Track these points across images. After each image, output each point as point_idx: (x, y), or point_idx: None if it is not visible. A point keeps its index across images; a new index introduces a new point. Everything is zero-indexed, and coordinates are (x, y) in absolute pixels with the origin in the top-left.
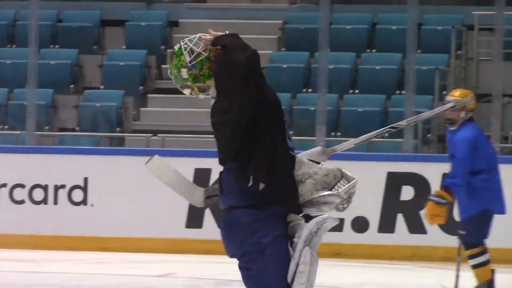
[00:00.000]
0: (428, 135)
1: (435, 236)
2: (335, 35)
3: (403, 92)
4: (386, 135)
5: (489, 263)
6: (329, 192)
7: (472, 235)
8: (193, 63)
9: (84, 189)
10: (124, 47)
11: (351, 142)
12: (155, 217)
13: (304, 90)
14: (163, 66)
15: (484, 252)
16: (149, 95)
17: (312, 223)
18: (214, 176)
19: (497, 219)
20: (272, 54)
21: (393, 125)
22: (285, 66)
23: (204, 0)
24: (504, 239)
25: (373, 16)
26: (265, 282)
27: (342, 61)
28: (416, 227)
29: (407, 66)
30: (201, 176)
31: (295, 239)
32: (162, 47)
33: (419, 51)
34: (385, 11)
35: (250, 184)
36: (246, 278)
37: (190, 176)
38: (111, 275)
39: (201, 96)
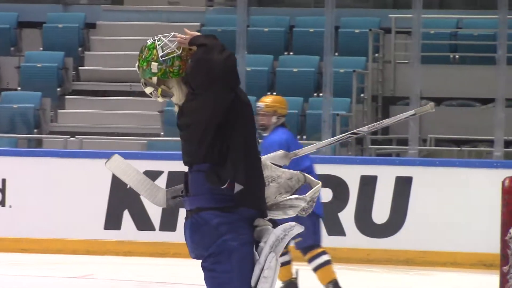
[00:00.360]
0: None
1: (354, 239)
2: (252, 38)
3: (321, 94)
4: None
5: (331, 263)
6: (296, 196)
7: (308, 238)
8: (164, 58)
9: (2, 190)
10: (41, 48)
11: (313, 146)
12: (74, 218)
13: None
14: (81, 68)
15: (323, 252)
16: (67, 97)
17: (279, 229)
18: None
19: (462, 225)
20: None
21: (354, 130)
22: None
23: (121, 2)
24: (468, 244)
25: (290, 19)
26: (228, 285)
27: (260, 63)
28: (334, 229)
29: (324, 69)
30: (117, 177)
31: (261, 244)
32: (79, 49)
33: (336, 53)
34: (303, 13)
35: (224, 186)
36: (209, 279)
37: (107, 178)
38: (28, 276)
39: (160, 99)
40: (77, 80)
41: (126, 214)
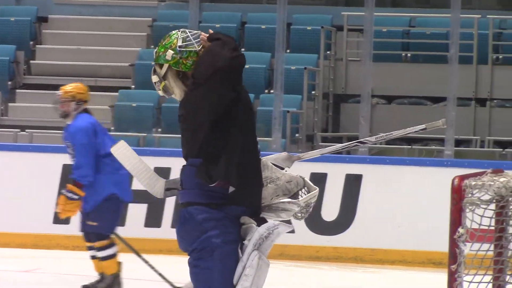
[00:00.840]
0: (297, 135)
1: (303, 236)
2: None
3: (272, 91)
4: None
5: (117, 255)
6: (289, 200)
7: (101, 225)
8: (182, 49)
9: None
10: None
11: (317, 151)
12: (22, 212)
13: None
14: (32, 61)
15: (112, 244)
16: (18, 91)
17: (263, 227)
18: None
19: (412, 223)
20: (141, 51)
21: (361, 139)
22: (154, 63)
23: None
24: (417, 242)
25: (242, 15)
26: (210, 281)
27: None
28: None
29: (275, 66)
30: (67, 172)
31: (245, 242)
32: (31, 42)
33: (288, 50)
34: (255, 10)
35: (213, 184)
36: (193, 274)
37: (57, 172)
38: None
39: (161, 93)
40: (28, 74)
41: None
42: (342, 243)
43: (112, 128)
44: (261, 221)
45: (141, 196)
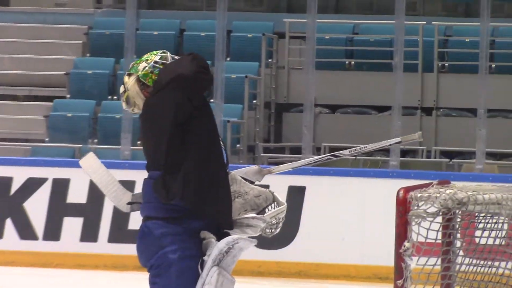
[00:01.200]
0: (238, 145)
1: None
2: (141, 41)
3: (212, 100)
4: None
5: None
6: (253, 215)
7: None
8: (156, 65)
9: None
10: None
11: (288, 165)
12: None
13: (110, 97)
14: None
15: None
16: None
17: (222, 242)
18: (15, 185)
19: (357, 236)
20: (76, 59)
21: (335, 153)
22: (89, 72)
23: (7, 3)
24: (362, 256)
25: (181, 22)
26: None
27: None
28: None
29: (215, 74)
30: (1, 184)
31: (205, 257)
32: None
33: (228, 58)
34: (194, 17)
35: (170, 201)
36: None
37: None
38: None
39: (124, 105)
40: None
41: (8, 223)
42: (285, 258)
43: (47, 139)
44: (224, 237)
45: (77, 210)
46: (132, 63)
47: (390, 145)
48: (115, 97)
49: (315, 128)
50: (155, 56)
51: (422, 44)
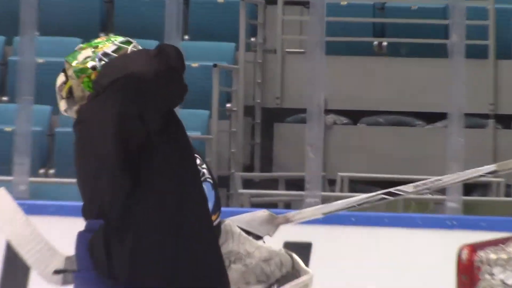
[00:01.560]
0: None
1: None
2: (48, 10)
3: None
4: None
5: None
6: None
7: None
8: (104, 58)
9: None
10: None
11: (317, 209)
12: None
13: None
14: None
15: None
16: None
17: None
18: None
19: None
20: None
21: (391, 189)
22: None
23: None
24: None
25: None
26: None
27: None
28: None
29: None
30: None
31: None
32: None
33: (186, 37)
34: None
35: (113, 280)
36: None
37: None
38: None
39: (59, 102)
40: None
41: None
42: None
43: None
44: None
45: None
46: (79, 45)
47: (480, 176)
48: (4, 98)
49: (326, 148)
50: (110, 44)
51: (495, 15)
